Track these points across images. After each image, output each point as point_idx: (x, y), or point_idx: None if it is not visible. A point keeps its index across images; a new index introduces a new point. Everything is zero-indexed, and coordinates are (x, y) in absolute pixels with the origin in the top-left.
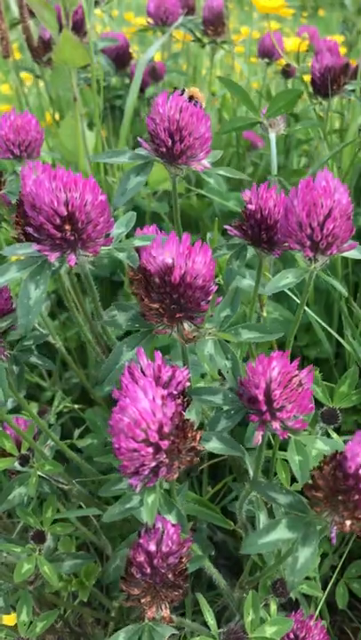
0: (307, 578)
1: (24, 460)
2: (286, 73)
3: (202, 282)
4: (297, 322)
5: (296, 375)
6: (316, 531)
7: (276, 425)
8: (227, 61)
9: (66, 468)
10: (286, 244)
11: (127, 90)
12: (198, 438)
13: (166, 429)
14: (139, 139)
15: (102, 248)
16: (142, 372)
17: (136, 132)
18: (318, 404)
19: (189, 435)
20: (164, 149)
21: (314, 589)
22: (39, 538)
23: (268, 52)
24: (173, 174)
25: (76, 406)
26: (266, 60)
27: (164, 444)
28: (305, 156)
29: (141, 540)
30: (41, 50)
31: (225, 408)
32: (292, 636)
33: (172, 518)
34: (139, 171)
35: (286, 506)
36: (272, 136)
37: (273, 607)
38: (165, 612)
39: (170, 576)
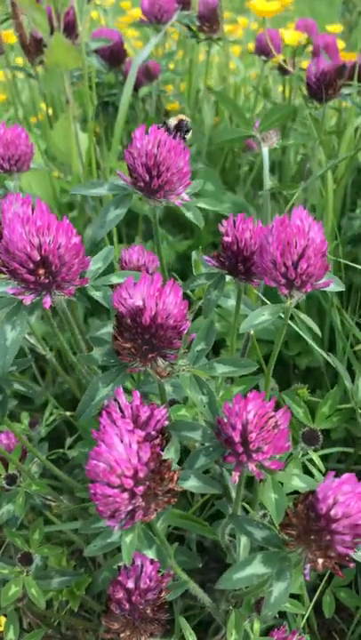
0: (292, 595)
1: (11, 480)
2: (283, 70)
3: (173, 322)
4: (275, 355)
5: (272, 416)
6: (291, 565)
7: (252, 466)
8: (225, 50)
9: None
10: None
11: (121, 88)
12: (176, 479)
13: (141, 475)
14: (117, 171)
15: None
16: (121, 411)
17: (130, 130)
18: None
19: (166, 476)
20: (142, 184)
21: (297, 608)
22: (26, 560)
23: (265, 50)
24: (152, 206)
25: (68, 413)
26: (263, 57)
27: (139, 490)
28: (302, 152)
29: (120, 578)
30: (33, 48)
31: (204, 445)
32: None
33: (151, 554)
34: (118, 203)
35: (262, 540)
36: (265, 150)
37: (256, 626)
38: None
39: (148, 611)
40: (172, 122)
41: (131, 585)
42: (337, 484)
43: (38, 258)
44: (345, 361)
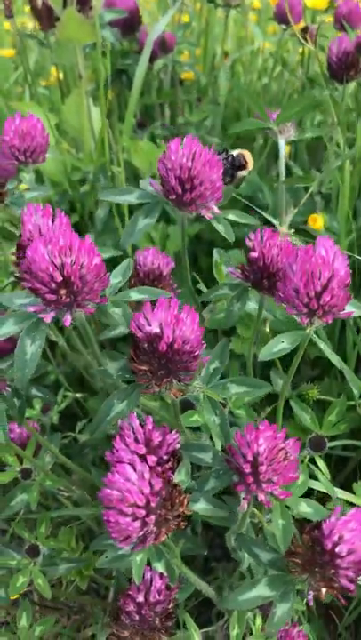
0: None
1: (26, 474)
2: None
3: (190, 347)
4: (293, 371)
5: (283, 448)
6: (295, 589)
7: (261, 496)
8: (244, 17)
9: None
10: None
11: (135, 57)
12: (186, 503)
13: (153, 505)
14: (149, 179)
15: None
16: (134, 432)
17: (145, 103)
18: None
19: (177, 500)
20: (174, 197)
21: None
22: (33, 552)
23: (285, 18)
24: (182, 217)
25: (78, 395)
26: (283, 25)
27: (151, 519)
28: (320, 122)
29: (130, 591)
30: (45, 13)
31: (214, 467)
32: None
33: (160, 567)
34: (147, 213)
35: (268, 563)
36: (281, 143)
37: (258, 621)
38: None
39: (157, 622)
40: (234, 153)
41: (141, 599)
42: (343, 522)
43: (60, 279)
44: (355, 354)
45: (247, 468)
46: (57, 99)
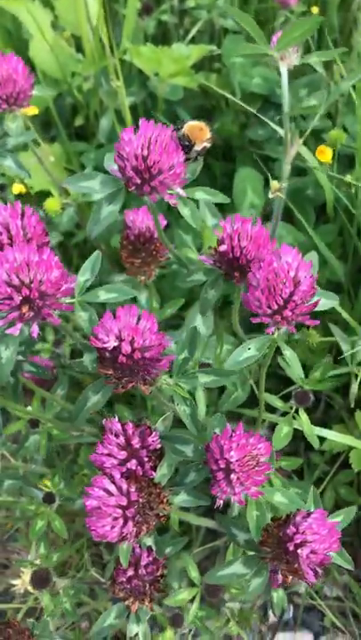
0: None
1: (34, 424)
2: None
3: (150, 355)
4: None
5: (255, 456)
6: (267, 567)
7: (235, 498)
8: None
9: None
10: None
11: None
12: (166, 501)
13: (130, 514)
14: (110, 168)
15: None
16: (115, 437)
17: None
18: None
19: (157, 499)
20: (133, 187)
21: None
22: (50, 498)
23: None
24: (149, 201)
25: None
26: None
27: (128, 526)
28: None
29: (120, 567)
30: None
31: (194, 461)
32: None
33: (148, 541)
34: (111, 199)
35: (244, 543)
36: (283, 70)
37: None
38: (147, 605)
39: (147, 588)
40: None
41: (130, 573)
42: (306, 526)
43: (20, 299)
44: None
45: (220, 476)
46: None
